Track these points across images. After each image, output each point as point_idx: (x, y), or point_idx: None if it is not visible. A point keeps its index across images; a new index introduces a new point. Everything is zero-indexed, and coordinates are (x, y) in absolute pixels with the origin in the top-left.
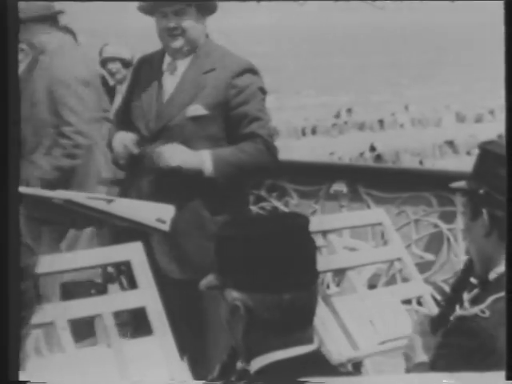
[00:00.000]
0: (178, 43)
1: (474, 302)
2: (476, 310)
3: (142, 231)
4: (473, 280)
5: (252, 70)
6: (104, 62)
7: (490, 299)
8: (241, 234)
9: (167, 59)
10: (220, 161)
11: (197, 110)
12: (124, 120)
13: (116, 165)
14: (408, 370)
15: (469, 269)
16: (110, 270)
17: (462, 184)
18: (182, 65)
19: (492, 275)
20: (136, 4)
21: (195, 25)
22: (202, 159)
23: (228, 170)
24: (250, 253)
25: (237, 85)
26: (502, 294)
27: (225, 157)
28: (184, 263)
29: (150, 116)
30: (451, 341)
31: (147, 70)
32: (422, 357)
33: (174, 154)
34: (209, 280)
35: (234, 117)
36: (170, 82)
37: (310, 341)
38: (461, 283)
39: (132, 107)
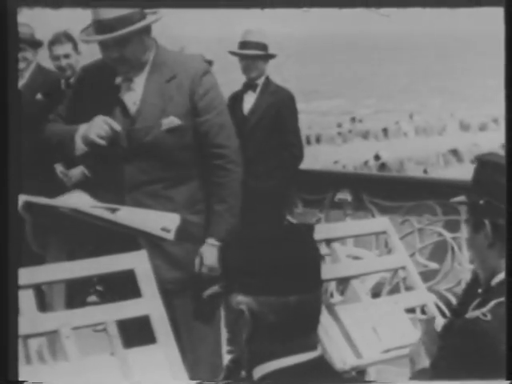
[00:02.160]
0: (124, 69)
1: (477, 307)
2: (478, 313)
3: (133, 240)
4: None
5: (209, 71)
6: None
7: (492, 303)
8: (246, 238)
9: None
10: (225, 235)
11: (171, 122)
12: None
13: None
14: (412, 374)
15: (475, 281)
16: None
17: (462, 198)
18: (139, 77)
19: (494, 281)
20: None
21: (137, 47)
22: (212, 250)
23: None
24: (254, 257)
25: (198, 90)
26: (503, 298)
27: (225, 229)
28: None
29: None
30: (452, 342)
31: (96, 82)
32: (427, 362)
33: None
34: (213, 289)
35: (201, 125)
36: (130, 96)
37: (313, 347)
38: (467, 296)
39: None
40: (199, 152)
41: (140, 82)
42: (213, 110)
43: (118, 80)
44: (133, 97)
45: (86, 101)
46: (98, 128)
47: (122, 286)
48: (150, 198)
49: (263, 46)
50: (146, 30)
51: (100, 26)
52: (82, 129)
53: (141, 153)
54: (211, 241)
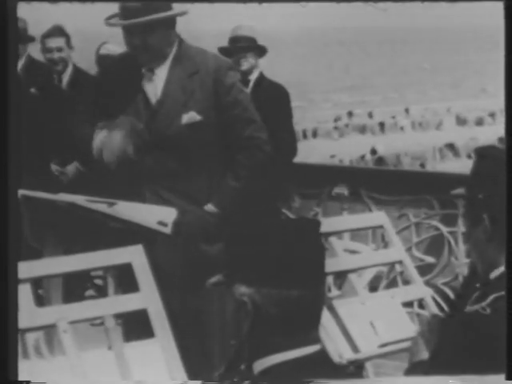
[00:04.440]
0: (144, 57)
1: (477, 301)
2: (477, 306)
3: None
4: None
5: (233, 68)
6: (101, 60)
7: (491, 297)
8: (251, 230)
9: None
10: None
11: (192, 117)
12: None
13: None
14: (411, 365)
15: (473, 274)
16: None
17: (461, 191)
18: (161, 69)
19: (493, 275)
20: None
21: (161, 37)
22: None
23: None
24: (260, 249)
25: (223, 84)
26: (503, 292)
27: (228, 201)
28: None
29: (140, 123)
30: (452, 336)
31: (120, 72)
32: (426, 354)
33: None
34: (216, 278)
35: (228, 120)
36: (152, 87)
37: (314, 342)
38: (466, 289)
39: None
40: (224, 145)
41: (162, 74)
42: (238, 106)
43: (143, 70)
44: (154, 88)
45: (110, 92)
46: (113, 149)
47: (120, 280)
48: (168, 191)
49: (252, 41)
50: (171, 22)
51: (125, 12)
52: (97, 140)
53: (160, 145)
54: (210, 207)
